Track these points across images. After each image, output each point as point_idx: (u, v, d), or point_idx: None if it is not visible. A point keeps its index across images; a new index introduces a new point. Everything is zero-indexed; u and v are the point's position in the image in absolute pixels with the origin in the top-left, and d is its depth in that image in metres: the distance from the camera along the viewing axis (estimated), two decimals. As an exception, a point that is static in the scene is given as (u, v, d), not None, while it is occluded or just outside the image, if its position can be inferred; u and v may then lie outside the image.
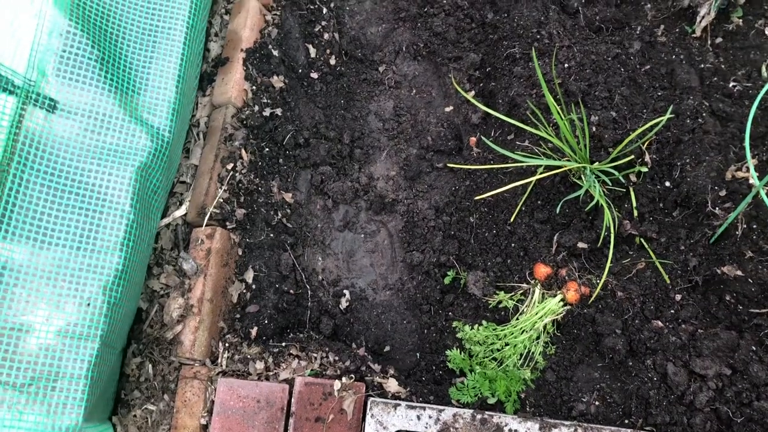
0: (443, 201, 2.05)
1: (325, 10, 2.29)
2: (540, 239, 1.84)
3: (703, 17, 1.85)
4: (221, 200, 1.82)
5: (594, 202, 1.72)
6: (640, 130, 1.64)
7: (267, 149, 1.99)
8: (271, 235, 1.92)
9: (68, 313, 1.45)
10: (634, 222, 1.77)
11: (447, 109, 2.22)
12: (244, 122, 1.96)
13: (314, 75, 2.20)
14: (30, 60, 1.50)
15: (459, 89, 2.12)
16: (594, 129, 1.79)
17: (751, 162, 1.40)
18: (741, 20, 1.91)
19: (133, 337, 1.78)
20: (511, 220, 1.87)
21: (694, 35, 1.93)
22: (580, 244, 1.77)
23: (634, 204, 1.74)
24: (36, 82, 1.50)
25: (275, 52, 2.09)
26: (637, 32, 2.00)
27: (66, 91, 1.55)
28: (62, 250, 1.48)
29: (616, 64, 1.96)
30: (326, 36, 2.26)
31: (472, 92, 2.19)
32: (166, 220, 1.86)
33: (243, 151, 1.92)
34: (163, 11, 1.77)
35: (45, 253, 1.46)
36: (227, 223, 1.84)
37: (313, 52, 2.22)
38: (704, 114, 1.80)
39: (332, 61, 2.25)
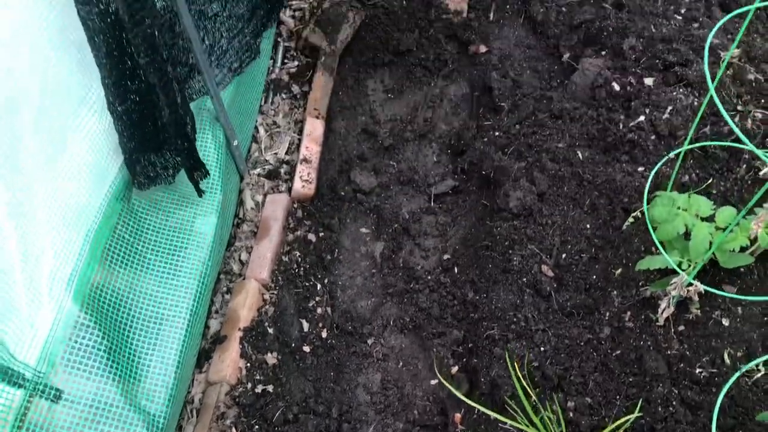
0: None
1: (319, 286, 2.49)
2: None
3: (664, 309, 2.03)
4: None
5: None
6: (613, 426, 1.72)
7: (257, 426, 2.05)
8: None
9: None
10: None
11: (432, 382, 2.32)
12: (237, 400, 2.04)
13: (306, 348, 2.33)
14: (43, 352, 1.62)
15: (441, 379, 2.24)
16: (571, 414, 1.87)
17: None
18: (699, 311, 2.08)
19: None
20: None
21: (658, 323, 2.09)
22: None
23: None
24: (45, 374, 1.61)
25: (271, 330, 2.24)
26: (606, 318, 2.17)
27: (72, 381, 1.65)
28: None
29: (589, 348, 2.11)
30: (319, 310, 2.43)
31: (456, 367, 2.30)
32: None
33: (234, 430, 1.97)
34: (170, 299, 1.94)
35: None
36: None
37: (306, 326, 2.37)
38: (674, 402, 1.89)
39: (324, 334, 2.39)
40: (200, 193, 2.09)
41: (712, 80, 2.41)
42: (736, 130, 1.54)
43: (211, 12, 2.19)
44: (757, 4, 1.67)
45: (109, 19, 1.58)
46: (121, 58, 1.67)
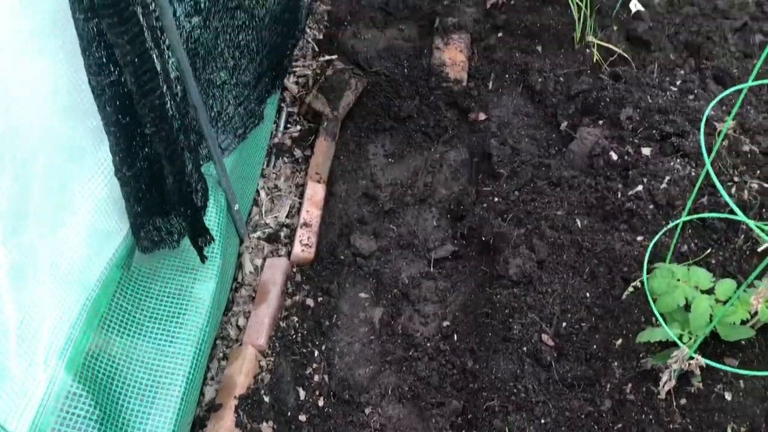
0: None
1: (316, 353, 2.46)
2: None
3: (665, 382, 2.00)
4: None
5: None
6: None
7: (250, 500, 1.99)
8: None
9: None
10: None
11: (431, 455, 2.27)
12: (230, 472, 1.99)
13: (302, 417, 2.28)
14: (33, 423, 1.59)
15: (442, 437, 2.19)
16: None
17: None
18: (701, 384, 2.06)
19: None
20: None
21: (660, 396, 2.06)
22: None
23: None
24: (34, 445, 1.57)
25: (266, 398, 2.21)
26: (607, 390, 2.14)
27: (62, 453, 1.61)
28: None
29: (590, 422, 2.07)
30: (316, 378, 2.40)
31: (455, 439, 2.26)
32: None
33: (225, 504, 1.91)
34: (166, 366, 1.92)
35: None
36: None
37: (302, 394, 2.33)
38: (679, 480, 1.85)
39: (320, 403, 2.35)
40: (203, 259, 2.09)
41: (709, 152, 2.45)
42: (732, 204, 1.56)
43: (219, 81, 2.24)
44: (750, 83, 1.71)
45: (119, 89, 1.62)
46: (130, 126, 1.69)
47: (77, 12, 1.46)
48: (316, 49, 3.35)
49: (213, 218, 2.24)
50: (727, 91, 1.89)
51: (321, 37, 3.42)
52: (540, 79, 3.11)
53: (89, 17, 1.45)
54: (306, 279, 2.64)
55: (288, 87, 3.13)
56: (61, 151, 1.66)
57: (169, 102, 1.72)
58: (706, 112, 1.92)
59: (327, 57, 3.29)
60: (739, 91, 2.77)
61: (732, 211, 2.35)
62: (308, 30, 3.40)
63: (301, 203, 2.74)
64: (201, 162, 2.22)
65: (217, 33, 2.15)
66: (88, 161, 1.77)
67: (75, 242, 1.73)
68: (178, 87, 1.88)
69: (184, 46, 1.87)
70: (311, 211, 2.67)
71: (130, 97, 1.63)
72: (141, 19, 1.56)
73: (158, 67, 1.65)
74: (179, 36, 1.83)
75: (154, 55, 1.63)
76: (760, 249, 2.30)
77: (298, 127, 3.03)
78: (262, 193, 2.77)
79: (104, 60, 1.54)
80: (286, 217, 2.73)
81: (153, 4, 1.64)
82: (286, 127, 3.03)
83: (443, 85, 3.21)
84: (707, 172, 1.64)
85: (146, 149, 1.77)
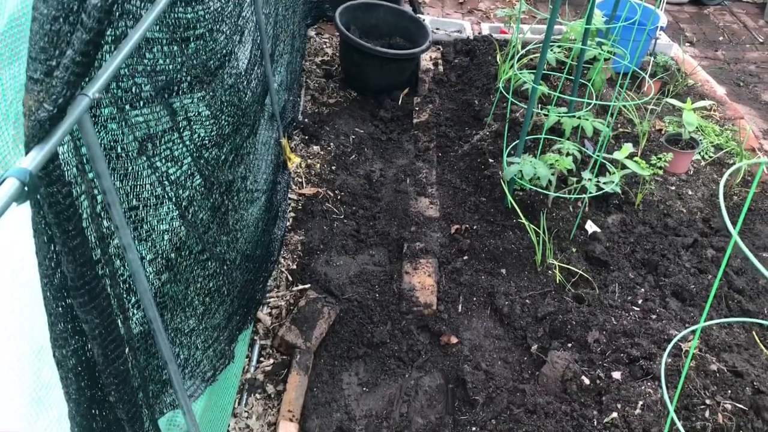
0: None
1: None
2: None
3: None
4: None
5: None
6: None
7: None
8: None
9: None
10: None
11: None
12: None
13: None
14: None
15: None
16: None
17: None
18: None
19: None
20: None
21: None
22: None
23: None
24: None
25: None
26: None
27: None
28: None
29: None
30: None
31: None
32: None
33: None
34: None
35: None
36: None
37: None
38: None
39: None
40: None
41: (678, 376, 2.47)
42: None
43: (187, 328, 2.27)
44: (703, 323, 1.78)
45: (83, 358, 1.63)
46: (92, 392, 1.69)
47: (48, 291, 1.53)
48: (290, 278, 3.46)
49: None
50: (684, 333, 1.96)
51: (294, 266, 3.54)
52: (507, 302, 3.20)
53: (59, 297, 1.52)
54: None
55: (261, 319, 3.18)
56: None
57: (131, 366, 1.74)
58: (669, 348, 1.97)
59: (300, 286, 3.38)
60: (701, 309, 2.88)
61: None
62: (282, 260, 3.53)
63: (273, 444, 2.66)
64: (165, 411, 2.18)
65: (188, 284, 2.22)
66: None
67: None
68: (144, 341, 1.91)
69: (154, 302, 1.93)
70: (283, 454, 2.58)
71: (93, 366, 1.65)
72: (109, 291, 1.62)
73: (123, 333, 1.69)
74: (151, 295, 1.90)
75: (119, 321, 1.68)
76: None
77: (271, 361, 3.02)
78: (233, 435, 2.69)
79: (69, 332, 1.58)
80: (258, 460, 2.63)
81: (124, 273, 1.72)
82: (258, 361, 3.02)
83: (414, 310, 3.28)
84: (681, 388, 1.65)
85: (105, 413, 1.75)
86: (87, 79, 1.27)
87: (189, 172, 2.13)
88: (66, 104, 1.15)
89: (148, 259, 1.91)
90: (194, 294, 2.27)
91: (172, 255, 2.07)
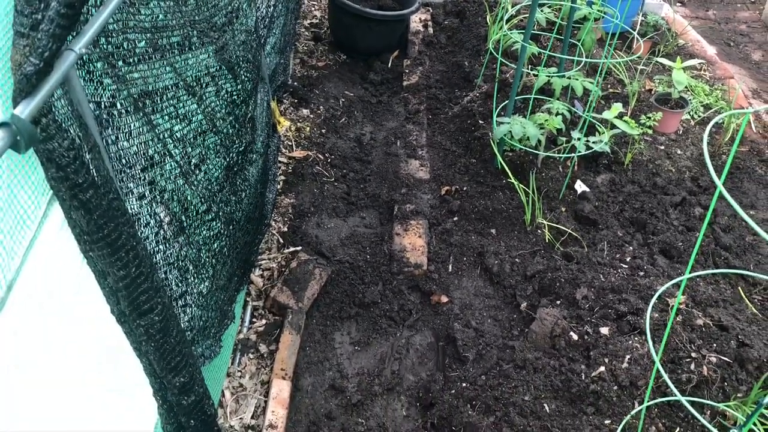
0: None
1: None
2: None
3: None
4: None
5: None
6: None
7: None
8: None
9: None
10: None
11: None
12: None
13: None
14: None
15: None
16: None
17: None
18: None
19: None
20: None
21: None
22: None
23: None
24: None
25: None
26: None
27: None
28: None
29: None
30: None
31: None
32: None
33: None
34: None
35: None
36: None
37: None
38: None
39: None
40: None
41: (664, 329, 2.52)
42: (684, 402, 1.59)
43: (205, 289, 2.30)
44: (688, 275, 1.81)
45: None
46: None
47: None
48: (281, 241, 3.47)
49: None
50: (672, 282, 2.00)
51: (285, 229, 3.55)
52: (497, 261, 3.23)
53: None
54: (273, 484, 2.53)
55: (253, 281, 3.20)
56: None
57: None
58: (650, 305, 2.01)
59: (291, 249, 3.40)
60: (686, 263, 2.92)
61: (695, 389, 2.39)
62: (273, 223, 3.54)
63: (266, 402, 2.70)
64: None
65: (200, 247, 2.23)
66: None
67: None
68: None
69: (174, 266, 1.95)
70: (276, 411, 2.62)
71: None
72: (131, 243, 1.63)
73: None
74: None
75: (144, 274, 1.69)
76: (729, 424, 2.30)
77: (264, 321, 3.05)
78: (227, 393, 2.73)
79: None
80: (252, 417, 2.67)
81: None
82: (251, 322, 3.05)
83: (405, 270, 3.31)
84: (665, 343, 1.68)
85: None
86: (74, 34, 1.26)
87: (219, 130, 2.14)
88: (52, 58, 1.14)
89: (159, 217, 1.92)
90: (206, 255, 2.29)
91: (183, 217, 2.08)
